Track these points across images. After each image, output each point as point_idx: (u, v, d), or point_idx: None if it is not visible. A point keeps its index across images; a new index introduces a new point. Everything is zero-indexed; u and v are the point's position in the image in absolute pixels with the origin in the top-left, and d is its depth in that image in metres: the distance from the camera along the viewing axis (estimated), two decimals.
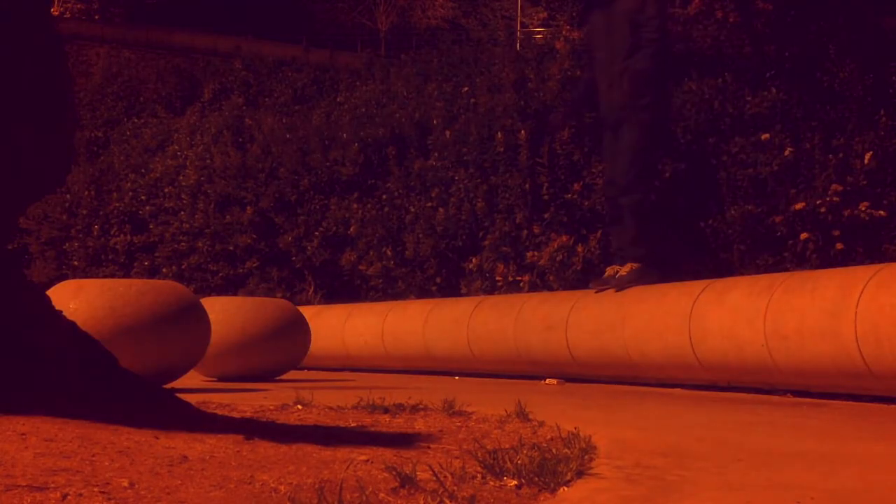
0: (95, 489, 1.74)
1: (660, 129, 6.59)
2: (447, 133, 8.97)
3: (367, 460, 2.25)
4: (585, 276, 7.26)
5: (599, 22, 6.70)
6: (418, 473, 1.99)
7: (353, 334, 8.74)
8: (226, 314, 6.59)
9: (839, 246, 6.37)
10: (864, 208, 6.38)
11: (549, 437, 2.80)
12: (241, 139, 12.19)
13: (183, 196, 12.00)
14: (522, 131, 8.01)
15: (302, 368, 8.24)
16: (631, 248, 6.43)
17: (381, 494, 1.85)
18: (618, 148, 6.49)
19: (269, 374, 6.91)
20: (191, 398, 3.20)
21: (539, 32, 17.39)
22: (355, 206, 10.00)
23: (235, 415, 3.43)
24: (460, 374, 7.66)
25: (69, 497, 1.67)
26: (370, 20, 30.65)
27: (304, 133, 11.13)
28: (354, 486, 1.88)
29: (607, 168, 6.76)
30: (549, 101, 8.18)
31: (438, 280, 8.95)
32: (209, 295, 9.91)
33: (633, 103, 6.37)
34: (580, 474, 2.08)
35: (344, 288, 10.18)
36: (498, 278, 8.07)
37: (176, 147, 12.99)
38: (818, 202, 6.43)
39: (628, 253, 6.46)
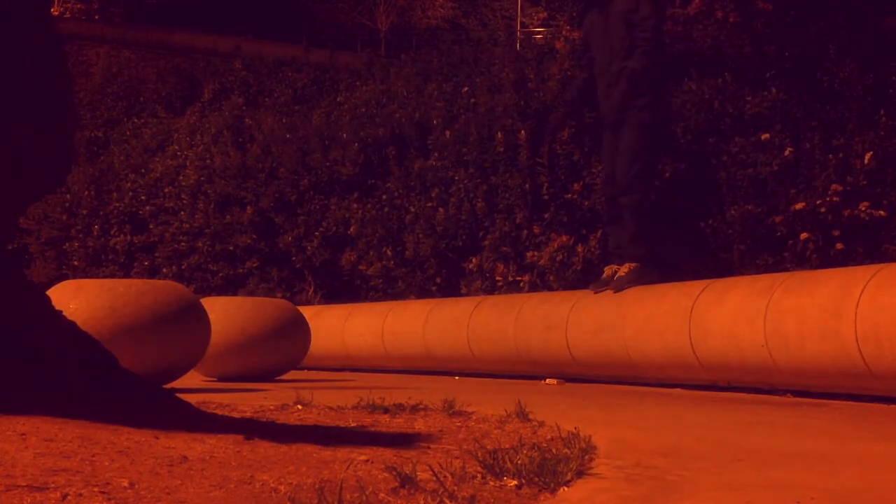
0: (95, 489, 1.74)
1: (660, 129, 6.60)
2: (447, 133, 8.97)
3: (367, 460, 2.25)
4: (585, 276, 7.26)
5: (597, 22, 6.71)
6: (418, 473, 1.99)
7: (353, 334, 8.73)
8: (226, 314, 6.60)
9: (839, 246, 6.36)
10: (864, 208, 6.38)
11: (549, 437, 2.80)
12: (241, 139, 12.19)
13: (183, 196, 12.00)
14: (522, 131, 8.01)
15: (302, 368, 8.24)
16: (630, 247, 6.44)
17: (381, 494, 1.85)
18: (618, 148, 6.50)
19: (269, 374, 6.91)
20: (191, 398, 3.20)
21: (539, 32, 17.41)
22: (355, 206, 10.00)
23: (235, 415, 3.43)
24: (460, 374, 7.66)
25: (69, 497, 1.67)
26: (370, 20, 30.65)
27: (304, 133, 11.13)
28: (354, 486, 1.88)
29: (607, 168, 6.77)
30: (549, 101, 8.17)
31: (438, 280, 8.94)
32: (209, 295, 9.91)
33: (632, 103, 6.39)
34: (580, 474, 2.08)
35: (344, 288, 10.18)
36: (498, 278, 8.07)
37: (176, 147, 12.99)
38: (818, 202, 6.42)
39: (626, 252, 6.47)
